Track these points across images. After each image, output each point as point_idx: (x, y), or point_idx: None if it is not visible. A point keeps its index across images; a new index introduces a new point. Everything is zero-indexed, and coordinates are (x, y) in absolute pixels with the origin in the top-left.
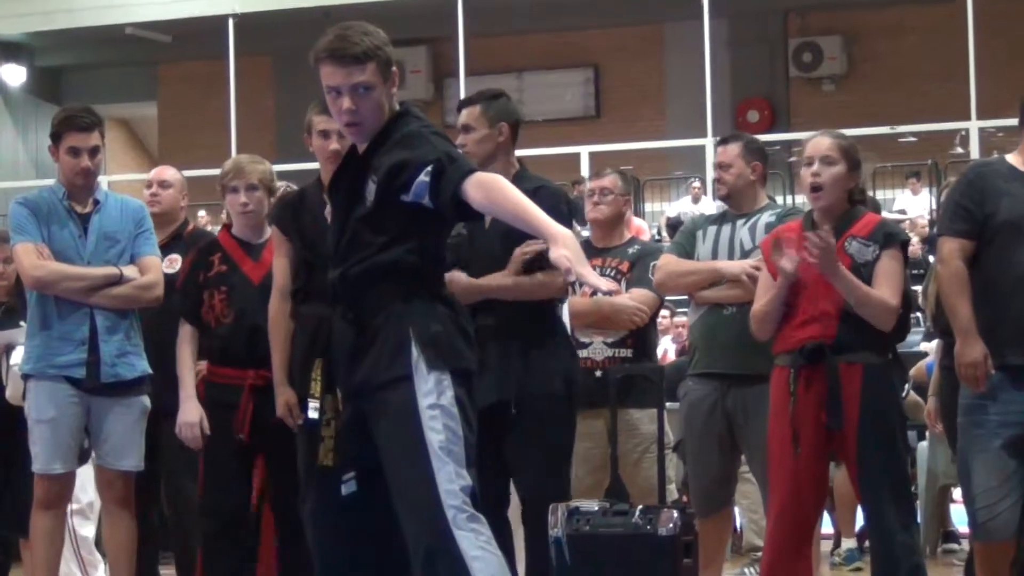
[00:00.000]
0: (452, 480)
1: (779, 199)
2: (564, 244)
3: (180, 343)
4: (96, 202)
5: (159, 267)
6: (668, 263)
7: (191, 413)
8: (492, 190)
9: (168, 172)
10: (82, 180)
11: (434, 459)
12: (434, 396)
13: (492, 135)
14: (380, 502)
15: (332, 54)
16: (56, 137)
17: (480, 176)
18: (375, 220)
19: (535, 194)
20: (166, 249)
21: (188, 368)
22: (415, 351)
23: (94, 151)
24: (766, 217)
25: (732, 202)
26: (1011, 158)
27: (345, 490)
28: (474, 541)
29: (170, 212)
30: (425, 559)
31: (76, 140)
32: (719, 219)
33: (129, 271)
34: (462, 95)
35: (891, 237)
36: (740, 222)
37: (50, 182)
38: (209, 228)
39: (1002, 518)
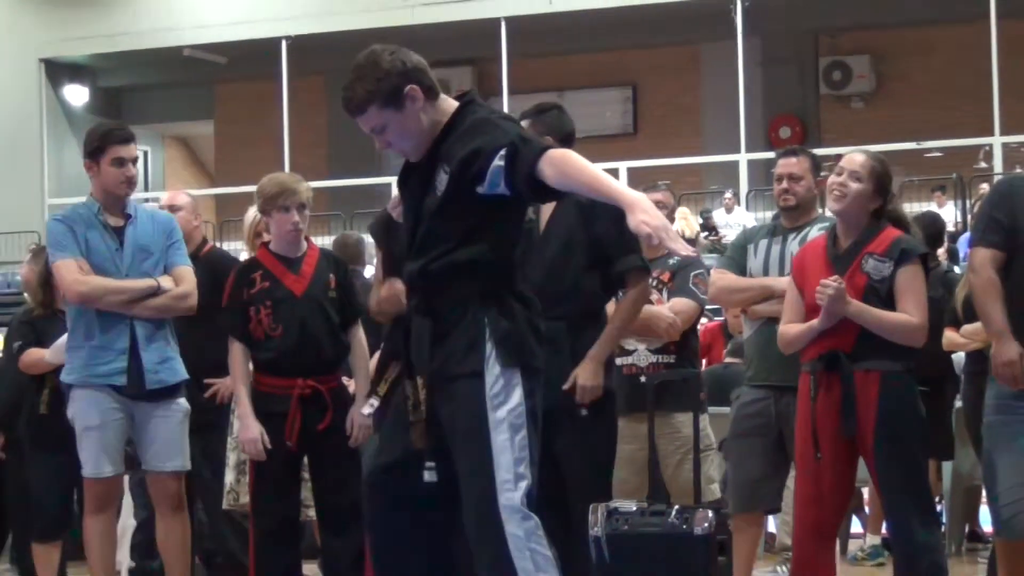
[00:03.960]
0: (512, 478)
1: None
2: (643, 210)
3: (232, 361)
4: (128, 216)
5: (192, 277)
6: (721, 279)
7: (252, 429)
8: (564, 164)
9: (179, 198)
10: (126, 189)
11: (497, 456)
12: (503, 395)
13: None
14: (445, 488)
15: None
16: (98, 152)
17: (552, 152)
18: (450, 213)
19: (594, 205)
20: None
21: (243, 385)
22: (489, 347)
23: (135, 161)
24: (815, 231)
25: (795, 213)
26: None
27: (428, 477)
28: (524, 541)
29: (187, 232)
30: (481, 555)
31: (121, 151)
32: (770, 232)
33: (164, 282)
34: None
35: (907, 253)
36: (791, 236)
37: None
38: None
39: None
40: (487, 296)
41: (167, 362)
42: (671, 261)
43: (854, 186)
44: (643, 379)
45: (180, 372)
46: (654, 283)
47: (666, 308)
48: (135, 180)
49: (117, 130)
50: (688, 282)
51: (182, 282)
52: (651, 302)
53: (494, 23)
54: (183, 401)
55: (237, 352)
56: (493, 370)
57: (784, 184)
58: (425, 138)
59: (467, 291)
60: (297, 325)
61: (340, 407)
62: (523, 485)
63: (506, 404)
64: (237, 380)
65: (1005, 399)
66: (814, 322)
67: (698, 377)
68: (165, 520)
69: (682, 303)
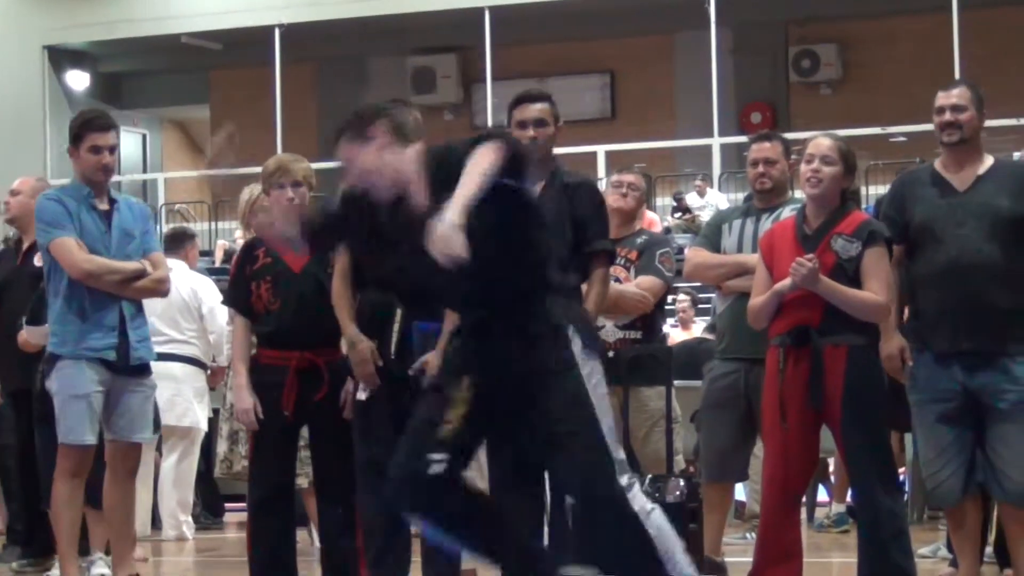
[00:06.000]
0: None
1: None
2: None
3: (235, 334)
4: (113, 201)
5: (166, 263)
6: (696, 256)
7: (245, 400)
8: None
9: (24, 184)
10: (102, 175)
11: (608, 436)
12: (594, 379)
13: (555, 132)
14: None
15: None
16: (77, 139)
17: (485, 144)
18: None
19: (578, 188)
20: (32, 250)
21: (243, 358)
22: (572, 338)
23: (112, 149)
24: (787, 212)
25: (770, 195)
26: (937, 163)
27: (436, 469)
28: (644, 502)
29: (23, 217)
30: (603, 520)
31: (97, 139)
32: (744, 213)
33: (147, 266)
34: (489, 99)
35: (875, 235)
36: (765, 216)
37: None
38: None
39: (945, 485)
40: (550, 296)
41: (145, 341)
42: (638, 240)
43: (827, 170)
44: (611, 354)
45: (152, 351)
46: (622, 261)
47: (633, 285)
48: (111, 168)
49: (96, 118)
50: (654, 260)
51: (158, 267)
52: (619, 280)
53: (478, 12)
54: (153, 378)
55: (239, 326)
56: (582, 358)
57: (760, 168)
58: (391, 181)
59: (533, 301)
60: (295, 300)
61: (338, 380)
62: (623, 460)
63: (598, 388)
64: (237, 353)
65: (912, 380)
66: (777, 286)
67: (670, 352)
68: (119, 485)
69: (648, 281)
